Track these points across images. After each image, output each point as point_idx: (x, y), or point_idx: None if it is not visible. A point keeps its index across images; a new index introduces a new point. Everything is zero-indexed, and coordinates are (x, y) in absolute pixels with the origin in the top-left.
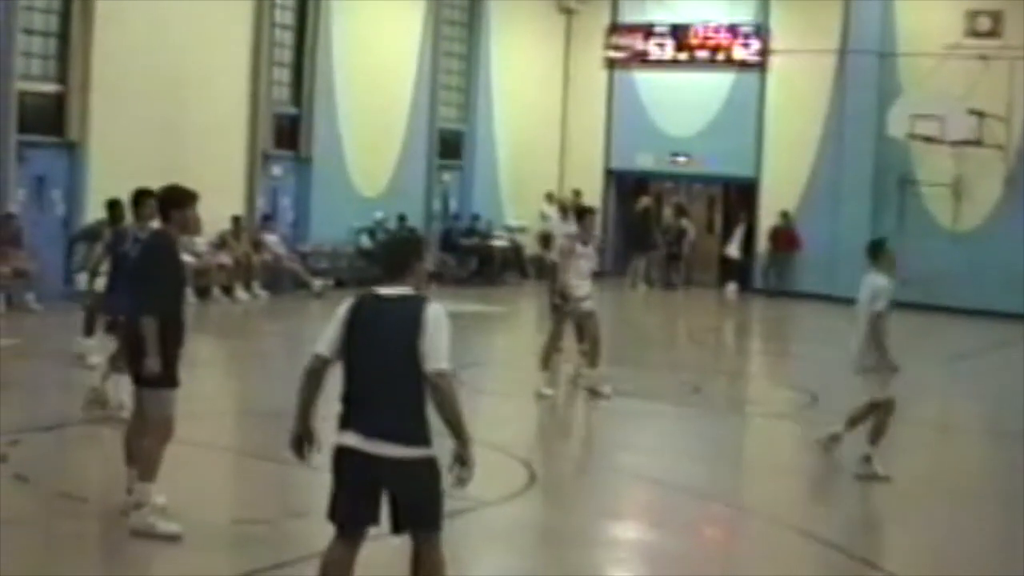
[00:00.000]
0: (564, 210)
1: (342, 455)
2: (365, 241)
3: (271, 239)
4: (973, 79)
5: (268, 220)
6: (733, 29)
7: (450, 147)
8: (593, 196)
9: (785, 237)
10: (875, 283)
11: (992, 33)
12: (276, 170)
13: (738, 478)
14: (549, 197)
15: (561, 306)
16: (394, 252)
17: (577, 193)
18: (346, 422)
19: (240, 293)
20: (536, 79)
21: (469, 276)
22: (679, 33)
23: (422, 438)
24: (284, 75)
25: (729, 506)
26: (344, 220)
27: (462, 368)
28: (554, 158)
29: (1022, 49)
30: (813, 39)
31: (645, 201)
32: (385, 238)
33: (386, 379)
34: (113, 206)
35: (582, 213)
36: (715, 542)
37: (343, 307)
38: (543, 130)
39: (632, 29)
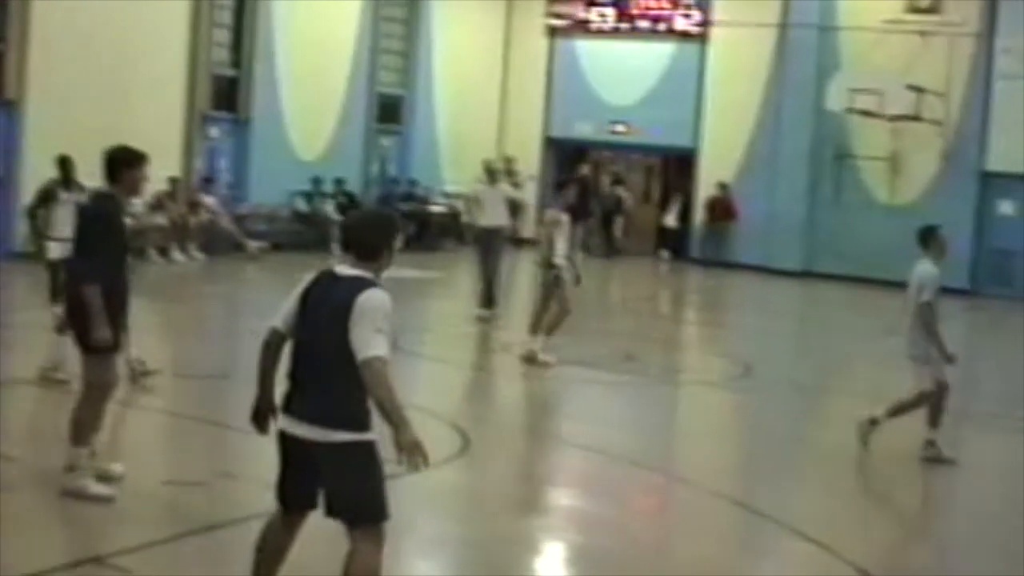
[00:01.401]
0: (491, 174)
1: (280, 436)
2: (301, 204)
3: (209, 201)
4: (912, 55)
5: (208, 182)
6: (675, 0)
7: (389, 112)
8: (532, 164)
9: (722, 208)
10: (923, 271)
11: (932, 9)
12: (214, 131)
13: (671, 446)
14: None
15: (559, 274)
16: (365, 233)
17: (509, 160)
18: (285, 403)
19: (176, 255)
20: (477, 46)
21: (406, 242)
22: (621, 2)
23: (352, 422)
24: (224, 36)
25: (662, 474)
26: (282, 183)
27: (400, 333)
28: (493, 125)
29: (962, 25)
30: (754, 12)
31: (583, 169)
32: (358, 214)
33: (319, 360)
34: (63, 162)
35: (562, 184)
36: (647, 510)
37: (302, 283)
38: (483, 97)
39: None
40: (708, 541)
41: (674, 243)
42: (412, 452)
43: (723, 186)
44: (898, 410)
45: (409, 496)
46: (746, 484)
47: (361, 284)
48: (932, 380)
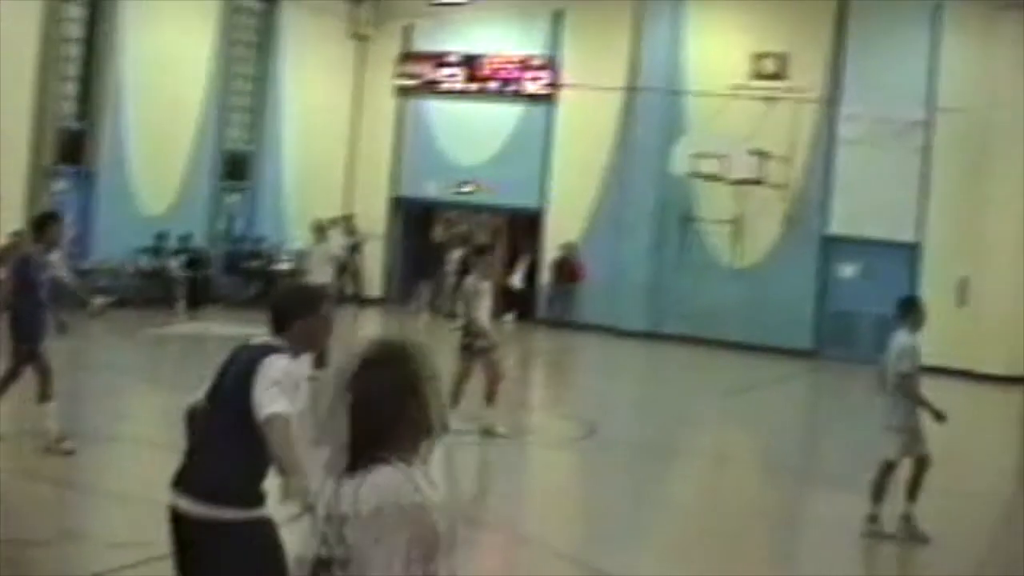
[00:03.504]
0: (319, 231)
1: (169, 512)
2: (146, 260)
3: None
4: (757, 120)
5: None
6: (524, 61)
7: (237, 168)
8: (379, 222)
9: (568, 268)
10: (902, 342)
11: (777, 75)
12: (59, 184)
13: (516, 507)
14: (333, 222)
15: (472, 345)
16: (280, 302)
17: (348, 218)
18: (176, 475)
19: None
20: (326, 103)
21: (252, 299)
22: (471, 63)
23: (232, 499)
24: (71, 89)
25: (506, 534)
26: (127, 238)
27: None
28: (341, 183)
29: (805, 92)
30: (602, 74)
31: (438, 231)
32: (285, 284)
33: (216, 429)
34: None
35: (481, 250)
36: (492, 570)
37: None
38: (331, 154)
39: (424, 57)
40: None
41: (520, 304)
42: (297, 496)
43: (569, 247)
44: (878, 492)
45: None
46: (589, 544)
47: (268, 349)
48: (905, 450)
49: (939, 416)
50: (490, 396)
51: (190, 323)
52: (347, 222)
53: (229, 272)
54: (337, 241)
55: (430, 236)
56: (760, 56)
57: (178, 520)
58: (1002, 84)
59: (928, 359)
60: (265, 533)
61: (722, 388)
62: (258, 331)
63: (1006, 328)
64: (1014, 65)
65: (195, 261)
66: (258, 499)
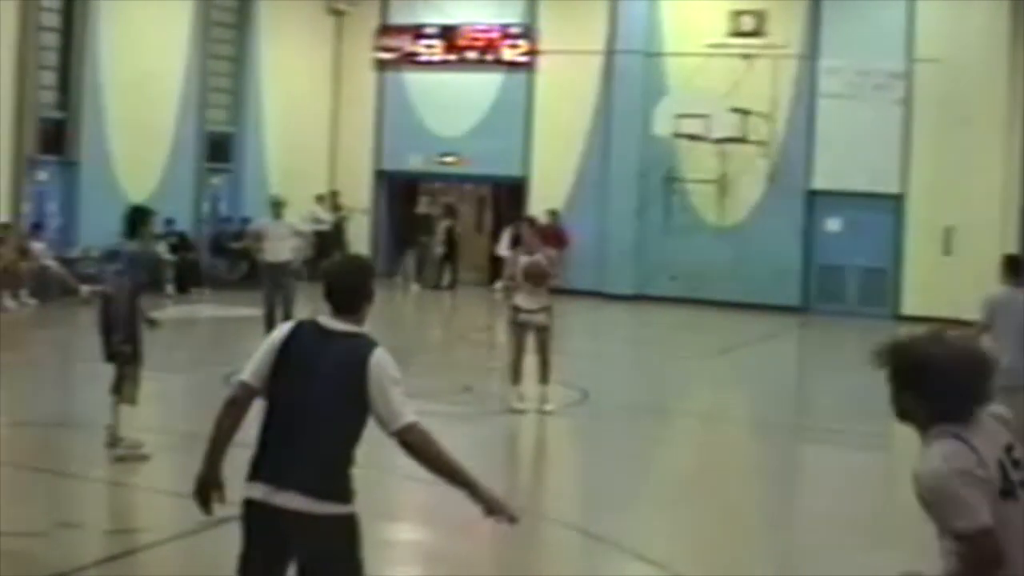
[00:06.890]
0: (276, 207)
1: (248, 508)
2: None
3: (38, 246)
4: (737, 77)
5: (37, 228)
6: (502, 30)
7: (219, 149)
8: (364, 197)
9: (553, 235)
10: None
11: (755, 32)
12: (42, 175)
13: (510, 476)
14: (320, 199)
15: (513, 319)
16: (352, 281)
17: (335, 194)
18: (256, 470)
19: (7, 302)
20: (306, 81)
21: (239, 280)
22: (448, 34)
23: (338, 494)
24: (50, 78)
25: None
26: (112, 224)
27: (234, 374)
28: (324, 160)
29: (784, 48)
30: (580, 39)
31: (422, 204)
32: (338, 261)
33: (311, 424)
34: None
35: (532, 223)
36: (489, 541)
37: (278, 333)
38: (313, 132)
39: (401, 30)
40: (550, 569)
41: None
42: (500, 510)
43: (554, 213)
44: None
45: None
46: (586, 510)
47: (364, 344)
48: None
49: None
50: (543, 374)
51: (179, 306)
52: (333, 198)
53: (215, 254)
54: (319, 216)
55: (414, 208)
56: (738, 13)
57: (266, 516)
58: (979, 32)
59: (916, 308)
60: (359, 528)
61: (711, 348)
62: (237, 310)
63: (990, 275)
64: (991, 13)
65: (181, 244)
66: (354, 493)
